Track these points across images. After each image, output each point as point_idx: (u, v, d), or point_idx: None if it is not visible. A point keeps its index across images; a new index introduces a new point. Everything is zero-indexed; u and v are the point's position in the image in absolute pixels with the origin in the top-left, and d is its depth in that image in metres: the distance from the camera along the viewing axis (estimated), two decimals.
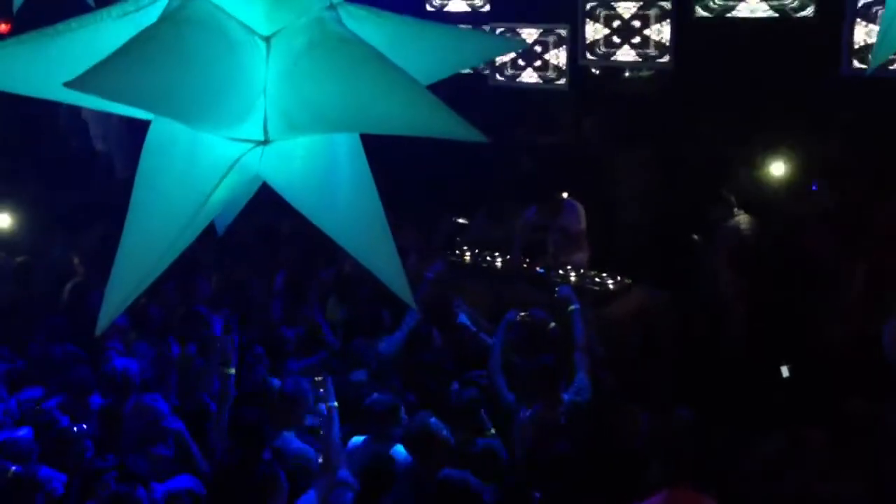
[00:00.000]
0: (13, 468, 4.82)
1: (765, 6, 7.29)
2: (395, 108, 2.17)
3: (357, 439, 5.12)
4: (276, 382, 5.65)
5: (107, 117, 9.48)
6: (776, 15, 7.25)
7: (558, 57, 8.41)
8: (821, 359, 5.96)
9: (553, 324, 6.24)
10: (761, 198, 7.47)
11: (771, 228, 7.22)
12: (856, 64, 6.88)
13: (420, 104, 2.13)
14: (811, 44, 7.22)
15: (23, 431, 5.25)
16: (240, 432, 4.93)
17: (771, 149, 7.52)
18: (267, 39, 2.30)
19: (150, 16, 2.35)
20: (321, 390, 4.91)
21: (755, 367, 6.07)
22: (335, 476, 4.58)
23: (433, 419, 4.84)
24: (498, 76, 8.75)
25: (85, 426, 5.26)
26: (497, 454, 5.10)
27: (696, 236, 7.50)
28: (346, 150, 2.47)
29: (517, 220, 7.91)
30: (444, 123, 2.10)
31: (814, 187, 7.67)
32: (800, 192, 7.46)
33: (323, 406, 5.01)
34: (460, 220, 8.46)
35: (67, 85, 1.94)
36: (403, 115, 2.17)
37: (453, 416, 5.23)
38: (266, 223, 8.04)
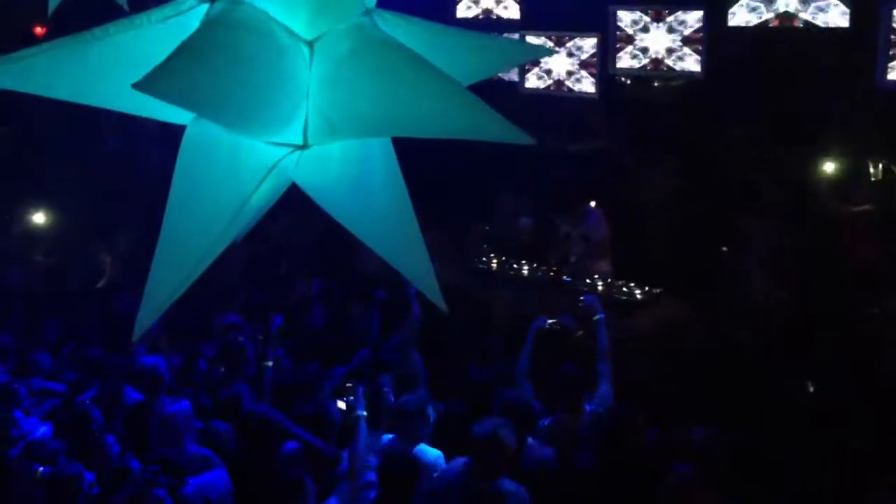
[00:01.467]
0: (40, 469, 4.89)
1: (797, 16, 7.24)
2: (440, 112, 2.16)
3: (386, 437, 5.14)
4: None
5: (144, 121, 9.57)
6: (809, 25, 7.19)
7: (588, 65, 8.40)
8: (864, 367, 5.86)
9: (580, 332, 6.21)
10: (793, 205, 7.39)
11: (805, 235, 7.13)
12: (891, 76, 6.81)
13: (466, 107, 2.12)
14: (845, 54, 7.15)
15: (43, 429, 5.32)
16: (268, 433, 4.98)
17: (802, 157, 7.44)
18: (310, 44, 2.31)
19: (191, 20, 2.37)
20: (350, 397, 4.89)
21: (793, 379, 5.99)
22: (358, 482, 4.59)
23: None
24: (527, 84, 8.75)
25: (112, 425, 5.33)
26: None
27: (725, 248, 7.43)
28: (379, 154, 2.48)
29: (546, 227, 7.92)
30: (490, 126, 2.09)
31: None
32: (836, 198, 7.36)
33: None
34: (487, 228, 8.46)
35: (135, 86, 1.95)
36: (449, 118, 2.16)
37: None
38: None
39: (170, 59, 2.03)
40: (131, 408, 5.61)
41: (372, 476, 4.62)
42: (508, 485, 4.60)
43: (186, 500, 4.57)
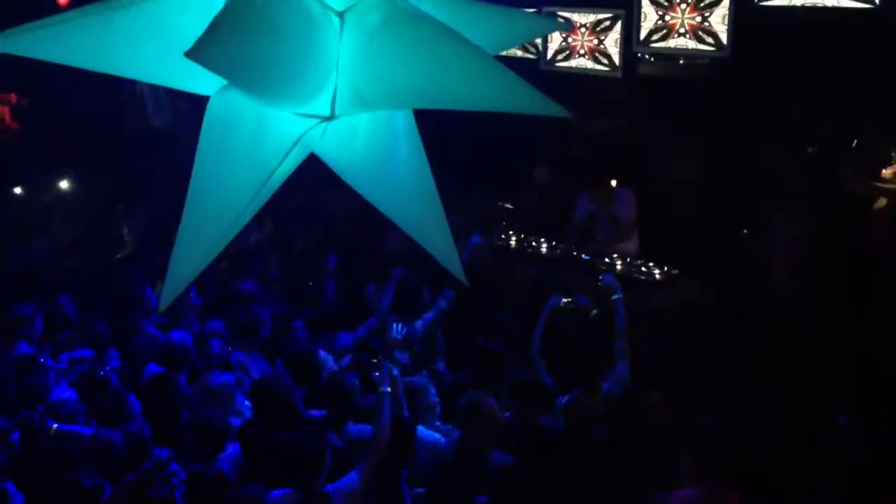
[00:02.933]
0: (55, 425, 4.96)
1: None
2: (472, 84, 2.16)
3: None
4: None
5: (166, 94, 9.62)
6: (838, 4, 7.06)
7: (612, 43, 8.31)
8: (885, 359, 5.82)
9: (595, 311, 6.21)
10: (818, 191, 7.31)
11: (828, 223, 7.06)
12: None
13: (499, 80, 2.12)
14: (874, 35, 7.02)
15: (68, 393, 5.39)
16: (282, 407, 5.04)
17: (830, 141, 7.35)
18: (341, 14, 2.30)
19: None
20: (376, 373, 4.93)
21: (810, 366, 5.95)
22: (380, 458, 4.63)
23: (483, 394, 4.86)
24: (549, 61, 8.68)
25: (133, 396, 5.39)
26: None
27: (745, 231, 7.37)
28: (403, 128, 2.48)
29: (566, 205, 7.88)
30: (523, 99, 2.09)
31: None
32: (862, 184, 7.26)
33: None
34: (507, 205, 8.44)
35: (186, 54, 1.96)
36: (481, 90, 2.16)
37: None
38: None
39: (215, 28, 2.03)
40: (150, 381, 5.67)
41: None
42: (498, 456, 4.64)
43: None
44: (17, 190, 9.21)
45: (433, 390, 5.32)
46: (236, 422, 5.19)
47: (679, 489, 4.26)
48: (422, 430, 5.00)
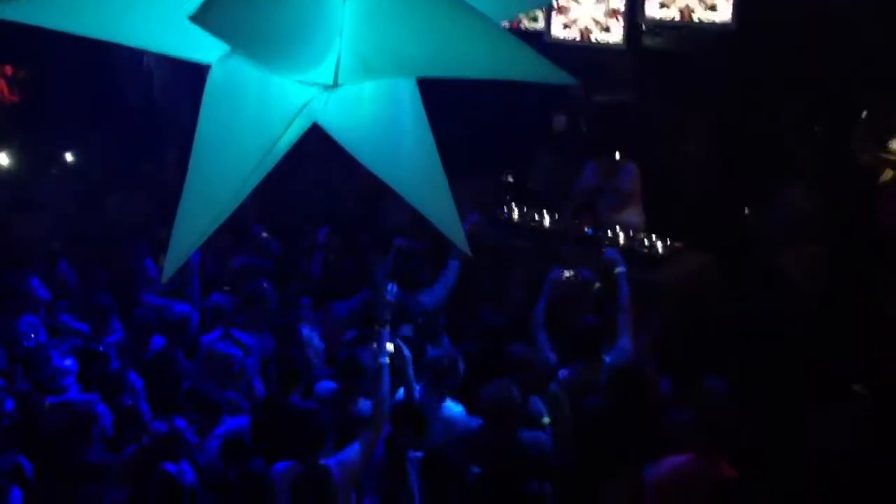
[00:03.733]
0: (47, 401, 4.96)
1: None
2: (478, 52, 2.13)
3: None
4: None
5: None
6: None
7: (616, 14, 8.23)
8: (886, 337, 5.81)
9: (598, 285, 6.20)
10: (826, 168, 7.27)
11: (835, 200, 7.03)
12: None
13: (505, 47, 2.09)
14: (885, 7, 6.94)
15: (67, 361, 5.39)
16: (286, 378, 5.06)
17: (837, 116, 7.29)
18: None
19: None
20: (375, 345, 4.93)
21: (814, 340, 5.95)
22: (381, 430, 4.64)
23: (514, 387, 4.85)
24: (553, 33, 8.59)
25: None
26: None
27: (747, 210, 7.33)
28: (407, 97, 2.45)
29: (572, 177, 7.84)
30: (530, 66, 2.06)
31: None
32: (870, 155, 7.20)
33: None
34: (510, 178, 8.40)
35: (192, 19, 1.94)
36: (487, 58, 2.13)
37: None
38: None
39: None
40: (154, 355, 5.68)
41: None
42: (527, 435, 4.66)
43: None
44: (20, 162, 9.18)
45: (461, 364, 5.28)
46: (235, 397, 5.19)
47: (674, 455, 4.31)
48: (453, 408, 5.01)
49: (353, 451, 4.54)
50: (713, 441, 4.28)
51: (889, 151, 6.91)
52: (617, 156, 7.63)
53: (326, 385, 5.29)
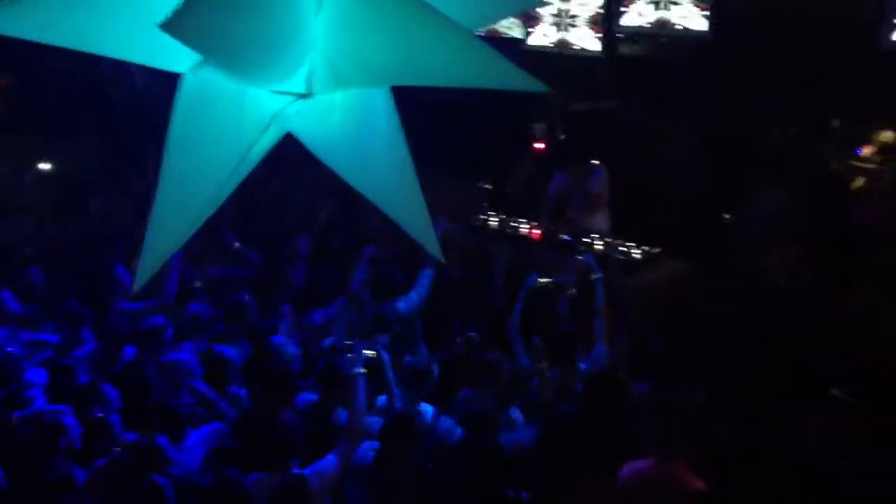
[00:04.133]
0: (14, 415, 4.90)
1: None
2: (450, 61, 2.13)
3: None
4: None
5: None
6: None
7: (593, 22, 8.29)
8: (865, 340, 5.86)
9: (574, 291, 6.23)
10: (803, 169, 7.34)
11: (816, 200, 7.09)
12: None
13: (478, 56, 2.09)
14: (854, 12, 7.03)
15: (35, 374, 5.33)
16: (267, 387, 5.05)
17: (812, 119, 7.37)
18: None
19: None
20: (350, 355, 4.94)
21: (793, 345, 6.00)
22: (359, 441, 4.64)
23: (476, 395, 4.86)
24: (530, 41, 8.64)
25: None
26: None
27: (727, 216, 7.39)
28: (380, 106, 2.46)
29: (544, 185, 7.88)
30: (503, 75, 2.06)
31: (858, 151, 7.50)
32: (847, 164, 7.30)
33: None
34: (486, 185, 8.43)
35: (162, 27, 1.94)
36: (460, 67, 2.13)
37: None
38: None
39: (190, 1, 2.00)
40: (126, 364, 5.63)
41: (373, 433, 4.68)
42: (506, 440, 4.67)
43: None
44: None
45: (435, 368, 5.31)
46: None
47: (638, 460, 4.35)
48: (426, 410, 5.03)
49: (331, 461, 4.53)
50: (675, 446, 4.32)
51: (858, 160, 7.00)
52: (596, 162, 7.68)
53: (306, 397, 5.27)
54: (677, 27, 7.80)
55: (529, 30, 8.60)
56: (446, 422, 5.02)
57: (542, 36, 8.59)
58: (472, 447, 4.66)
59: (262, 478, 4.43)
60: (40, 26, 2.57)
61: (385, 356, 5.11)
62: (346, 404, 4.92)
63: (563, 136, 9.25)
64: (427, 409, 5.10)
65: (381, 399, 5.16)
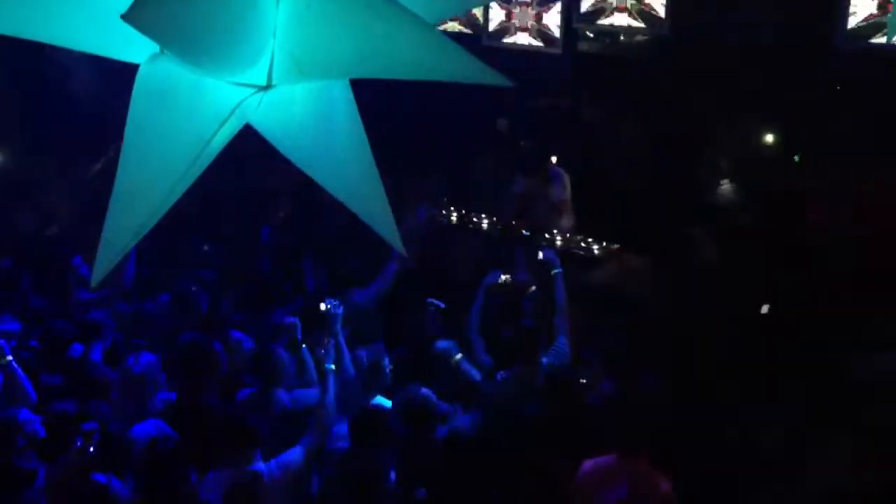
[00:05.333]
0: None
1: None
2: (411, 53, 2.12)
3: None
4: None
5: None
6: None
7: (552, 19, 8.31)
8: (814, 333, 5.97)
9: (534, 287, 6.25)
10: (752, 169, 7.46)
11: (761, 201, 7.21)
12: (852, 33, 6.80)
13: (438, 48, 2.08)
14: (809, 12, 7.15)
15: None
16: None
17: (764, 120, 7.48)
18: None
19: None
20: (321, 350, 4.94)
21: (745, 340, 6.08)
22: (326, 434, 4.63)
23: (424, 390, 4.86)
24: (490, 37, 8.64)
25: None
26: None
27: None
28: (341, 99, 2.44)
29: (505, 184, 7.91)
30: (464, 68, 2.06)
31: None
32: (790, 166, 7.44)
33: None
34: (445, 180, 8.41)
35: (123, 17, 1.89)
36: (420, 59, 2.12)
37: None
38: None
39: None
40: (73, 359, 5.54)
41: (342, 429, 4.67)
42: (442, 429, 4.68)
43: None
44: None
45: (386, 362, 5.31)
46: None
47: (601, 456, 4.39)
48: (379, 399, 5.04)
49: (297, 453, 4.51)
50: (636, 440, 4.36)
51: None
52: (554, 159, 7.71)
53: (244, 391, 5.24)
54: (635, 25, 7.85)
55: (489, 25, 8.60)
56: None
57: (502, 31, 8.59)
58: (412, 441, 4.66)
59: (218, 474, 4.39)
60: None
61: (331, 351, 5.08)
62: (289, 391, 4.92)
63: (516, 134, 9.30)
64: (383, 402, 5.10)
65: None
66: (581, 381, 5.12)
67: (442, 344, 5.50)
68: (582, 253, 7.11)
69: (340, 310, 5.45)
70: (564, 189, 7.65)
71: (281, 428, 4.80)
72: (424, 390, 4.84)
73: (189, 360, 5.06)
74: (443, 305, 6.01)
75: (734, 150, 7.68)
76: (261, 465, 4.42)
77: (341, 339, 5.31)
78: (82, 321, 5.76)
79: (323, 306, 5.41)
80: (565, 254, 6.77)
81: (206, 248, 7.33)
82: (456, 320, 6.17)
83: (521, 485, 4.39)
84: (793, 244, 6.89)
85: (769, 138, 7.58)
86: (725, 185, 7.31)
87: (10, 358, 5.09)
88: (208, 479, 4.39)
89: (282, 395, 5.12)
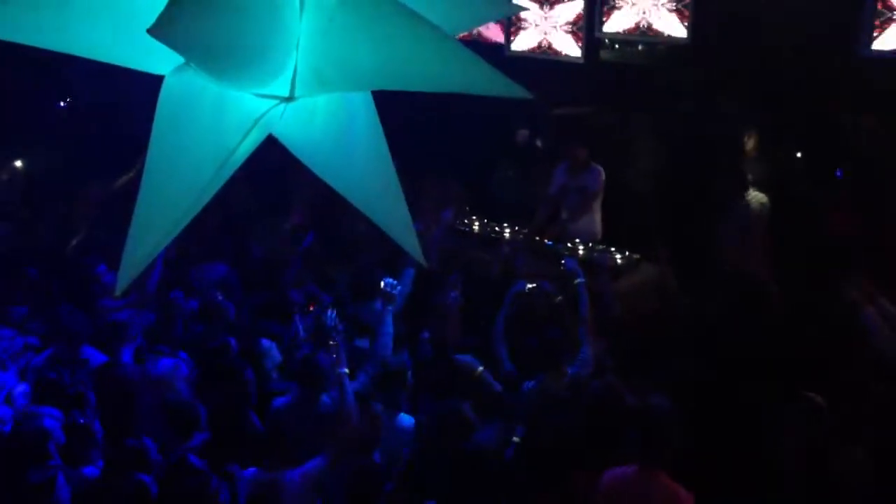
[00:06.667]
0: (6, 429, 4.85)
1: None
2: (433, 65, 2.12)
3: None
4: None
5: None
6: None
7: (574, 28, 8.32)
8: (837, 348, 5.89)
9: (560, 297, 6.23)
10: (776, 178, 7.40)
11: (786, 210, 7.15)
12: (875, 46, 6.75)
13: (460, 61, 2.08)
14: (832, 19, 7.10)
15: (21, 388, 5.28)
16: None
17: (787, 128, 7.43)
18: None
19: None
20: (333, 356, 4.94)
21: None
22: (351, 442, 4.63)
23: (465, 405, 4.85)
24: (513, 47, 8.66)
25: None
26: None
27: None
28: (362, 110, 2.45)
29: (528, 191, 7.92)
30: (485, 80, 2.06)
31: (838, 174, 7.61)
32: (819, 176, 7.37)
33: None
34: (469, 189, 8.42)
35: (149, 31, 1.91)
36: (442, 71, 2.12)
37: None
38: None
39: (176, 4, 1.97)
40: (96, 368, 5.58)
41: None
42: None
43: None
44: None
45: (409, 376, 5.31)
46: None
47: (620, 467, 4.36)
48: (405, 420, 5.04)
49: (319, 463, 4.53)
50: (657, 451, 4.32)
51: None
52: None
53: (281, 400, 5.26)
54: (658, 34, 7.83)
55: (512, 36, 8.62)
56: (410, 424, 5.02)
57: (525, 41, 8.61)
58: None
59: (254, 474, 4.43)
60: (19, 27, 2.54)
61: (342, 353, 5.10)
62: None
63: (539, 143, 9.31)
64: (404, 417, 5.09)
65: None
66: (621, 394, 5.06)
67: (463, 358, 5.48)
68: (605, 262, 7.07)
69: (398, 290, 5.64)
70: (600, 183, 7.69)
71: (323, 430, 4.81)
72: (464, 405, 4.82)
73: (221, 366, 5.11)
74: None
75: (756, 157, 7.62)
76: (287, 473, 4.45)
77: (389, 322, 5.48)
78: (111, 323, 5.79)
79: (381, 284, 5.66)
80: (588, 263, 6.74)
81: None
82: (479, 328, 6.15)
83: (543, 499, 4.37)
84: (816, 253, 6.82)
85: (789, 145, 7.52)
86: (750, 193, 7.25)
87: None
88: (243, 477, 4.42)
89: (324, 397, 5.15)
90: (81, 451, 4.68)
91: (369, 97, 2.49)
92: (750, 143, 7.68)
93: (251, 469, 4.51)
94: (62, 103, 9.81)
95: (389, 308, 5.60)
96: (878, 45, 6.73)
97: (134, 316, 5.87)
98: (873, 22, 6.73)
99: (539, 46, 8.48)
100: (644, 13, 7.80)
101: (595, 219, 7.74)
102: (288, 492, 4.35)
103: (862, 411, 4.80)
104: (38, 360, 5.66)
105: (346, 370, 4.86)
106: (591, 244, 7.31)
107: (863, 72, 7.00)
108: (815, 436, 4.67)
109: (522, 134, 9.14)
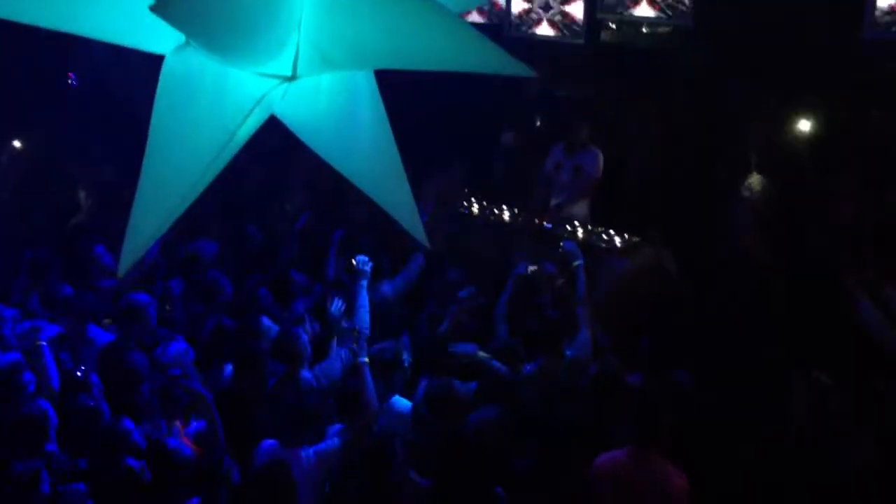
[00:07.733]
0: None
1: None
2: (435, 43, 2.10)
3: None
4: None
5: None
6: None
7: (575, 10, 8.26)
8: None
9: (561, 280, 6.24)
10: (778, 161, 7.38)
11: (787, 194, 7.14)
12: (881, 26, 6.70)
13: (463, 39, 2.07)
14: (836, 3, 7.06)
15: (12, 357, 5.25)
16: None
17: (790, 112, 7.40)
18: None
19: None
20: (353, 344, 5.07)
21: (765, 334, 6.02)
22: (368, 429, 4.64)
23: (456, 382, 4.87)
24: (514, 28, 8.61)
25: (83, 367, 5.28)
26: None
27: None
28: (365, 90, 2.43)
29: (528, 173, 7.90)
30: (488, 58, 2.04)
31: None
32: (821, 159, 7.35)
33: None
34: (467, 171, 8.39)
35: (152, 9, 1.90)
36: (445, 50, 2.10)
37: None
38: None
39: None
40: (103, 348, 5.57)
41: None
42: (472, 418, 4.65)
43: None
44: None
45: (406, 356, 5.32)
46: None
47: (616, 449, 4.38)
48: (403, 402, 5.04)
49: (333, 444, 4.54)
50: (651, 434, 4.34)
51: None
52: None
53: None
54: (659, 16, 7.78)
55: (512, 15, 8.57)
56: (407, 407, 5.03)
57: (524, 21, 8.56)
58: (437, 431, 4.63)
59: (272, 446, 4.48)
60: (18, 6, 2.52)
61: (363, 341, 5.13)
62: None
63: (538, 124, 9.28)
64: (401, 400, 5.09)
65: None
66: (620, 376, 5.07)
67: (461, 347, 5.48)
68: (604, 245, 7.08)
69: (369, 266, 5.61)
70: (597, 166, 7.66)
71: (314, 405, 4.82)
72: (457, 383, 4.83)
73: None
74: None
75: (759, 141, 7.60)
76: (302, 451, 4.47)
77: (364, 296, 5.44)
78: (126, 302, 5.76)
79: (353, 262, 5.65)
80: (587, 246, 6.74)
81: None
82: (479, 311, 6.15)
83: (544, 480, 4.38)
84: (815, 241, 6.81)
85: (794, 129, 7.49)
86: (751, 178, 7.24)
87: (42, 343, 5.14)
88: (262, 448, 4.47)
89: (305, 373, 5.16)
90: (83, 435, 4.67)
91: (372, 77, 2.47)
92: (752, 128, 7.66)
93: (269, 441, 4.53)
94: (70, 81, 9.75)
95: (363, 283, 5.56)
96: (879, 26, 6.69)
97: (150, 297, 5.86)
98: (875, 3, 6.69)
99: (539, 27, 8.42)
100: None
101: (584, 205, 7.71)
102: (302, 468, 4.37)
103: (864, 401, 4.79)
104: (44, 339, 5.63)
105: (367, 359, 4.89)
106: (589, 227, 7.30)
107: (869, 58, 6.97)
108: (820, 416, 4.68)
109: (507, 137, 9.10)
